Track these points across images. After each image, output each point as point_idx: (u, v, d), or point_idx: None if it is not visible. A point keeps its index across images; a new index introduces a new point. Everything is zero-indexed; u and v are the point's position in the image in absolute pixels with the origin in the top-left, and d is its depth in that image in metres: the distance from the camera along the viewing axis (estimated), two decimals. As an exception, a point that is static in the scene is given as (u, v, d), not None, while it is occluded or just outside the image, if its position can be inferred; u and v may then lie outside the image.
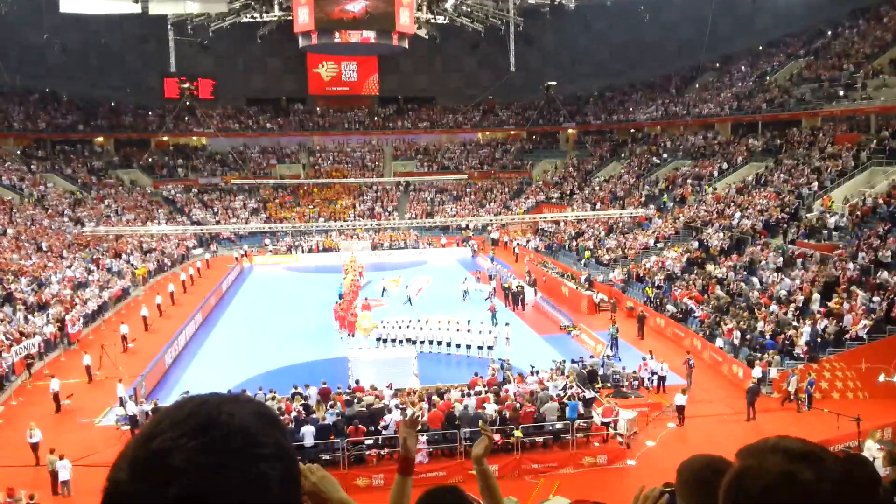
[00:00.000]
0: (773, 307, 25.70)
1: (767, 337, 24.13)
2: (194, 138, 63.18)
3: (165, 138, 61.19)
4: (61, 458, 16.63)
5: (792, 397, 21.34)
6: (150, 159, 59.48)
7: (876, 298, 23.15)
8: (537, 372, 22.19)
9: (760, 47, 55.95)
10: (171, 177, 58.87)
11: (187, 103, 57.77)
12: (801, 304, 25.17)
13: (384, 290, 36.22)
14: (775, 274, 28.44)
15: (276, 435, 1.01)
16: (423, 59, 64.65)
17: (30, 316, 29.45)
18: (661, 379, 23.09)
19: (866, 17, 47.00)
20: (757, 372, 21.99)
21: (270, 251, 50.84)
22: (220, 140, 61.99)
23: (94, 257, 41.26)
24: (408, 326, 28.35)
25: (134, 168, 58.25)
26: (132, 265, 42.53)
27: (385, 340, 28.05)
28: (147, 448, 0.94)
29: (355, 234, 53.44)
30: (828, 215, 31.00)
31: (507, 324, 29.34)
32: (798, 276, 27.35)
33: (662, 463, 17.03)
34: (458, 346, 27.68)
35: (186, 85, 57.73)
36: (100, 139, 59.90)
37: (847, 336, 22.48)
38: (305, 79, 65.90)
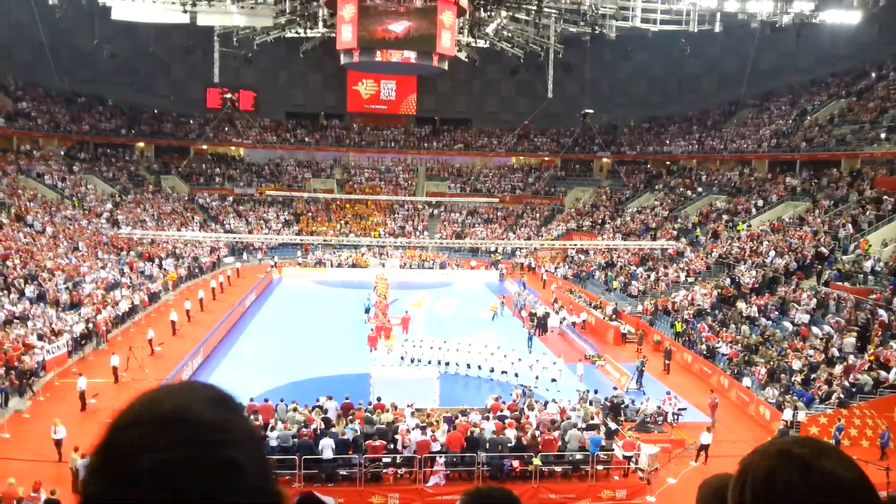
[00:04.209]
0: (807, 350, 25.25)
1: (799, 379, 23.68)
2: (232, 148, 64.26)
3: (205, 147, 62.35)
4: (83, 456, 16.82)
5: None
6: (189, 167, 60.57)
7: (911, 346, 22.64)
8: (555, 401, 22.03)
9: (802, 85, 55.40)
10: (207, 185, 59.86)
11: (228, 113, 58.79)
12: (836, 348, 24.69)
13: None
14: (807, 316, 27.96)
15: (234, 418, 0.99)
16: (462, 81, 65.12)
17: (62, 314, 30.00)
18: (674, 415, 22.78)
19: (912, 61, 46.38)
20: (787, 414, 21.56)
21: (300, 264, 51.26)
22: (258, 151, 63.02)
23: (128, 260, 41.97)
24: (431, 347, 28.36)
25: (172, 174, 59.37)
26: (164, 269, 43.16)
27: (412, 360, 28.10)
28: (111, 454, 0.93)
29: (385, 251, 53.68)
30: (864, 259, 30.44)
31: (530, 351, 29.31)
32: (831, 320, 26.86)
33: (683, 501, 16.74)
34: (479, 367, 27.53)
35: (228, 96, 58.74)
36: (141, 144, 61.22)
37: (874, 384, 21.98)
38: (345, 95, 66.73)
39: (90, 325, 29.61)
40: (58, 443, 18.43)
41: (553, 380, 26.28)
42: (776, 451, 1.16)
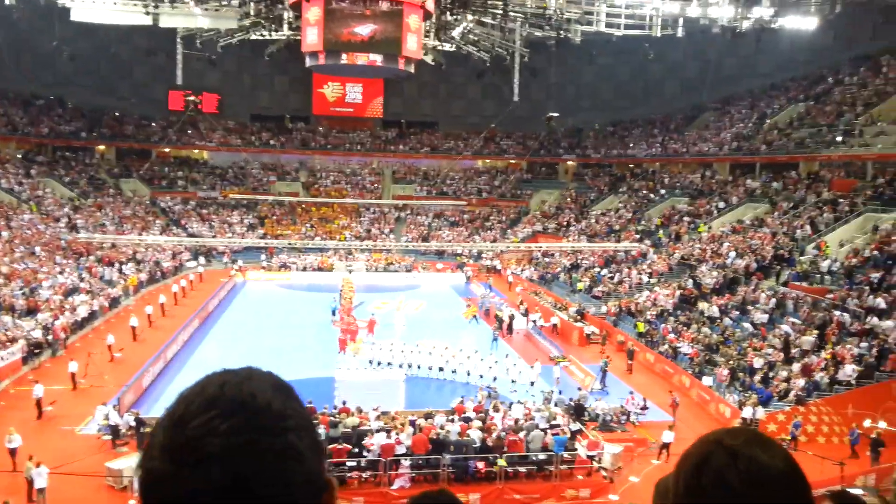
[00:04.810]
0: (766, 349, 25.72)
1: (758, 378, 24.10)
2: (196, 151, 63.40)
3: (167, 150, 61.38)
4: (38, 465, 16.44)
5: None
6: (150, 170, 59.59)
7: (864, 344, 23.19)
8: (521, 402, 22.14)
9: (762, 90, 56.45)
10: (170, 188, 58.93)
11: (191, 116, 58.02)
12: (794, 347, 25.18)
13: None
14: (766, 315, 28.49)
15: (294, 405, 1.04)
16: (428, 84, 65.20)
17: (18, 320, 29.30)
18: (637, 415, 23.14)
19: (868, 66, 47.54)
20: (747, 412, 21.92)
21: (264, 267, 50.77)
22: (222, 154, 62.33)
23: (87, 265, 41.14)
24: (402, 350, 28.25)
25: (133, 178, 58.34)
26: (124, 274, 42.39)
27: (379, 363, 27.95)
28: (180, 434, 0.94)
29: (350, 254, 53.45)
30: (821, 259, 31.11)
31: (506, 355, 29.42)
32: (789, 320, 27.41)
33: (645, 499, 16.86)
34: (454, 371, 27.47)
35: (192, 98, 57.98)
36: (101, 147, 60.05)
37: (831, 381, 22.48)
38: (310, 98, 66.32)
39: (48, 333, 28.96)
40: (12, 452, 17.98)
41: (532, 383, 26.38)
42: (709, 440, 1.20)
